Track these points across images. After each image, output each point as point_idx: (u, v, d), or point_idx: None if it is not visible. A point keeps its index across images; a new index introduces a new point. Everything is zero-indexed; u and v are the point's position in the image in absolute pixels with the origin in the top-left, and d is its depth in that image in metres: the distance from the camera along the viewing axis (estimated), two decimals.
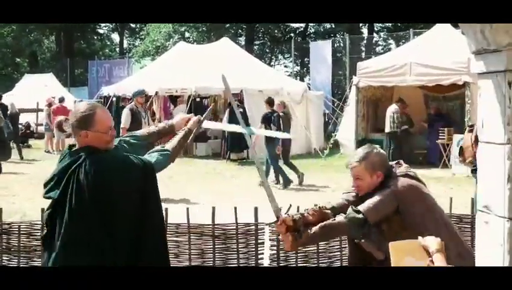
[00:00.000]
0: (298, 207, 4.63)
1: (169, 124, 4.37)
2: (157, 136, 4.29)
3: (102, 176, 3.43)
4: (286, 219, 4.01)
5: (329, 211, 4.28)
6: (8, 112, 19.34)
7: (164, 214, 5.40)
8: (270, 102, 14.28)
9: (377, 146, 4.47)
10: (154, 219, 3.65)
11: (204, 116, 4.36)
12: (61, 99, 22.69)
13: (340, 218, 4.06)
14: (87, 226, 3.43)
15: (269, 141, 13.69)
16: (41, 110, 24.86)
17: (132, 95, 12.91)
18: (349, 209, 4.07)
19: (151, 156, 3.78)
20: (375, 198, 4.10)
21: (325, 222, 4.06)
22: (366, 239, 4.17)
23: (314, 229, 4.01)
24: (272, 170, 14.11)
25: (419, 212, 4.08)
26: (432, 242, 3.32)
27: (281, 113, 14.08)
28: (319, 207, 4.27)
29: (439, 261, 3.22)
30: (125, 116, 12.20)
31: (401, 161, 4.47)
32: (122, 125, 11.98)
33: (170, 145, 3.97)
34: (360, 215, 4.01)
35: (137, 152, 3.80)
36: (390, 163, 4.43)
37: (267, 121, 13.77)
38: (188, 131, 4.16)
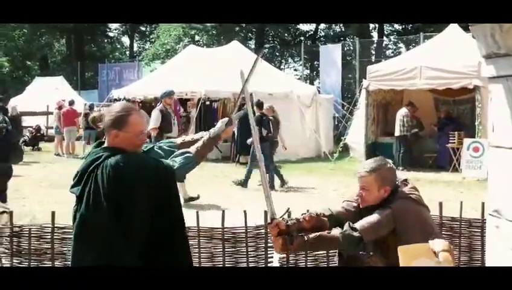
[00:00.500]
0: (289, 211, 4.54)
1: (205, 133, 4.29)
2: (190, 144, 4.20)
3: (119, 177, 3.46)
4: (280, 223, 3.98)
5: (326, 219, 4.24)
6: (9, 114, 19.41)
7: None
8: (259, 105, 14.74)
9: (390, 161, 4.39)
10: (168, 222, 3.63)
11: (233, 116, 4.29)
12: (71, 102, 22.78)
13: (335, 232, 4.00)
14: (101, 225, 3.47)
15: (260, 142, 13.76)
16: (51, 113, 24.96)
17: (160, 96, 12.85)
18: (346, 226, 4.00)
19: (174, 160, 3.78)
20: (374, 217, 4.03)
21: (320, 234, 4.01)
22: (365, 256, 4.15)
23: (308, 238, 3.97)
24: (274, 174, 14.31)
25: (415, 237, 4.02)
26: (439, 243, 3.32)
27: (270, 117, 14.36)
28: (316, 214, 4.22)
29: (445, 260, 3.22)
30: (155, 117, 12.18)
31: (408, 180, 4.40)
32: (151, 126, 12.00)
33: (193, 147, 3.95)
34: (356, 234, 3.95)
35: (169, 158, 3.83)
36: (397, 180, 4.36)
37: (258, 123, 13.93)
38: (213, 133, 4.10)
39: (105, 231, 3.46)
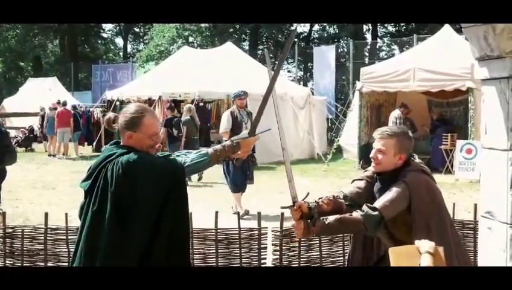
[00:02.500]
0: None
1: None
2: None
3: (128, 176, 3.47)
4: (302, 205, 3.98)
5: (342, 201, 4.26)
6: None
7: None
8: (171, 108, 16.19)
9: (410, 131, 4.44)
10: (173, 224, 3.58)
11: (256, 132, 4.09)
12: (64, 103, 22.77)
13: (356, 215, 4.00)
14: (104, 223, 3.46)
15: (172, 141, 15.46)
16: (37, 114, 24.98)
17: (232, 97, 11.90)
18: (365, 207, 4.00)
19: (188, 157, 3.77)
20: (390, 194, 4.02)
21: (341, 216, 4.00)
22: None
23: (330, 220, 3.96)
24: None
25: (426, 211, 4.06)
26: (424, 244, 3.32)
27: (187, 117, 15.46)
28: (333, 196, 4.24)
29: (425, 262, 3.22)
30: (225, 120, 11.33)
31: (415, 155, 4.44)
32: (221, 130, 11.38)
33: (211, 149, 3.92)
34: (376, 213, 3.94)
35: None
36: None
37: (169, 124, 15.59)
38: (235, 142, 4.00)
39: (106, 230, 3.46)
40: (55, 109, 22.67)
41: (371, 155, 4.28)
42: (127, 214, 3.46)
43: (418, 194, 4.05)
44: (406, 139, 4.24)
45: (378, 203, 4.01)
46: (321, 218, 3.96)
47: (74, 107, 23.33)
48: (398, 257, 3.31)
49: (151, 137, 3.70)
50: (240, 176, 11.08)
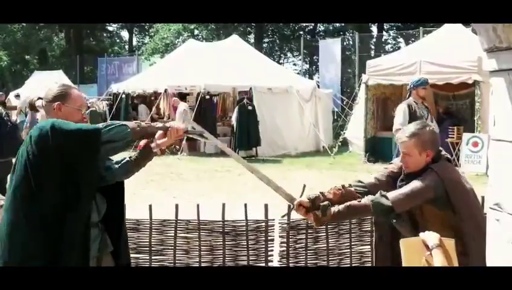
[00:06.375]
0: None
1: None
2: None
3: (37, 135, 3.42)
4: (302, 202, 3.98)
5: (353, 189, 4.20)
6: None
7: (175, 210, 5.44)
8: (32, 106, 19.70)
9: (432, 124, 4.39)
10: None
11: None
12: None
13: (365, 200, 3.96)
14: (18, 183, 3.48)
15: None
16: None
17: (413, 86, 9.57)
18: (378, 194, 3.96)
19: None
20: (410, 187, 3.98)
21: (350, 203, 3.97)
22: (396, 222, 4.11)
23: (340, 208, 3.94)
24: None
25: (466, 198, 4.04)
26: (431, 237, 3.31)
27: (93, 109, 18.30)
28: (343, 186, 4.18)
29: (438, 256, 3.22)
30: (401, 115, 9.04)
31: (441, 147, 4.41)
32: (396, 127, 8.92)
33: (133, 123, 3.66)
34: (387, 202, 3.90)
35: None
36: None
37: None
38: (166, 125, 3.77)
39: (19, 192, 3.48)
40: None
41: (399, 161, 4.26)
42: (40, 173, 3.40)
43: (449, 184, 3.99)
44: (427, 135, 4.17)
45: (392, 194, 3.97)
46: (330, 207, 3.95)
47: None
48: (409, 248, 3.30)
49: (80, 110, 3.70)
50: None
